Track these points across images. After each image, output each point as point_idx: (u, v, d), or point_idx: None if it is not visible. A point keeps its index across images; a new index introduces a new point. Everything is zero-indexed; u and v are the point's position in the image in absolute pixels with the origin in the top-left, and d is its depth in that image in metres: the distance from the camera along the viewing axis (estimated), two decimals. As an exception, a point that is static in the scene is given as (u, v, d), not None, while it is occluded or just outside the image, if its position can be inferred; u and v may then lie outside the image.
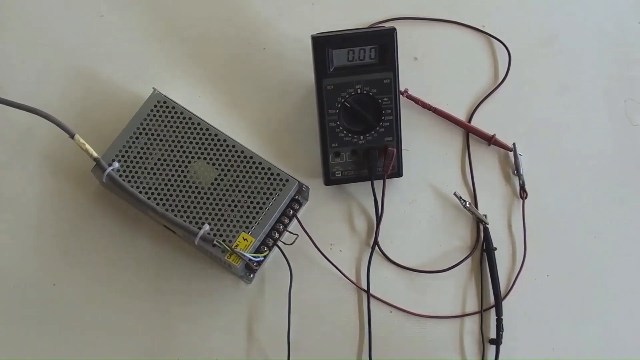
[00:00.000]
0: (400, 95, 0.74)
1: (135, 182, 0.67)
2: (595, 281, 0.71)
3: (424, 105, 0.75)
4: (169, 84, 0.73)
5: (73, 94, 0.74)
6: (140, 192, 0.66)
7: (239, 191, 0.67)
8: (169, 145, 0.68)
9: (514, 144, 0.75)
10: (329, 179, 0.72)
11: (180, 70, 0.76)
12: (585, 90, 0.78)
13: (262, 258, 0.67)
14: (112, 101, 0.74)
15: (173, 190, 0.67)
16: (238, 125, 0.74)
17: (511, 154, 0.75)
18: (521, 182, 0.73)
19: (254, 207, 0.66)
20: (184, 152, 0.68)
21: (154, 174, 0.67)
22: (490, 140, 0.75)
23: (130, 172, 0.67)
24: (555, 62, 0.79)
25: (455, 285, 0.71)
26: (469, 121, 0.76)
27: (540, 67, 0.79)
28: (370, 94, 0.70)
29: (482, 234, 0.72)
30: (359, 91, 0.70)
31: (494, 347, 0.69)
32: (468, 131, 0.76)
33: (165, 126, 0.69)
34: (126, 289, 0.69)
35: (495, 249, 0.71)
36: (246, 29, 0.78)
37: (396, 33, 0.69)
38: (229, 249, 0.64)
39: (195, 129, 0.69)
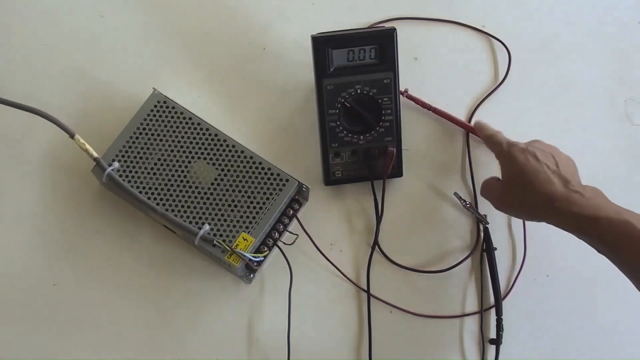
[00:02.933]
0: (401, 95, 0.74)
1: (135, 182, 0.67)
2: (595, 281, 0.71)
3: (424, 105, 0.75)
4: (169, 84, 0.73)
5: (73, 94, 0.74)
6: (140, 192, 0.66)
7: (239, 191, 0.67)
8: (169, 145, 0.68)
9: (514, 144, 0.75)
10: (329, 179, 0.72)
11: (180, 70, 0.76)
12: (585, 90, 0.78)
13: (262, 258, 0.67)
14: (112, 101, 0.74)
15: (173, 190, 0.67)
16: (238, 125, 0.74)
17: (511, 154, 0.75)
18: (521, 182, 0.73)
19: (254, 207, 0.66)
20: (184, 152, 0.68)
21: (154, 174, 0.67)
22: (490, 140, 0.75)
23: (130, 172, 0.67)
24: (555, 62, 0.79)
25: (455, 285, 0.71)
26: (469, 121, 0.76)
27: (540, 67, 0.79)
28: (370, 94, 0.70)
29: (482, 234, 0.72)
30: (359, 91, 0.70)
31: (494, 347, 0.69)
32: (468, 131, 0.76)
33: (165, 126, 0.69)
34: (126, 289, 0.69)
35: (495, 249, 0.71)
36: (246, 29, 0.78)
37: (396, 33, 0.69)
38: (229, 249, 0.64)
39: (195, 129, 0.69)
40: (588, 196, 0.60)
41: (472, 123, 0.74)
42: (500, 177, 0.68)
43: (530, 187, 0.62)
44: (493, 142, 0.68)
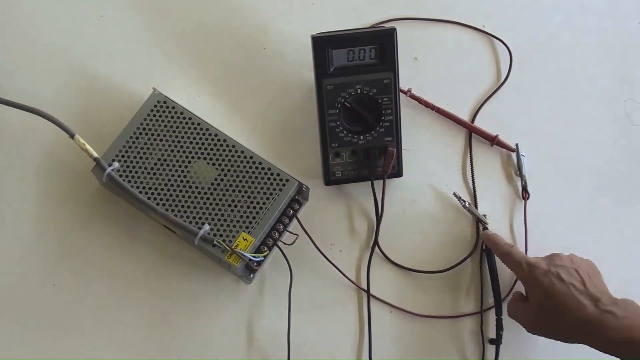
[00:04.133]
0: (404, 95, 0.74)
1: (135, 182, 0.67)
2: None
3: (428, 105, 0.75)
4: (169, 84, 0.73)
5: (73, 94, 0.74)
6: (140, 192, 0.66)
7: (239, 191, 0.67)
8: (169, 145, 0.68)
9: (516, 145, 0.74)
10: (329, 179, 0.72)
11: (180, 70, 0.76)
12: (586, 90, 0.78)
13: (262, 258, 0.67)
14: (112, 101, 0.74)
15: (173, 190, 0.67)
16: (238, 125, 0.74)
17: (514, 154, 0.75)
18: (523, 183, 0.73)
19: (254, 207, 0.66)
20: (184, 152, 0.68)
21: (154, 174, 0.67)
22: (492, 140, 0.75)
23: (130, 172, 0.67)
24: (556, 62, 0.79)
25: (455, 285, 0.71)
26: (472, 121, 0.76)
27: (541, 67, 0.79)
28: (370, 94, 0.70)
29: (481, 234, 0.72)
30: (359, 91, 0.70)
31: (494, 347, 0.69)
32: (471, 131, 0.76)
33: (165, 126, 0.69)
34: (126, 289, 0.69)
35: (496, 249, 0.71)
36: (246, 29, 0.78)
37: (396, 33, 0.69)
38: (229, 249, 0.64)
39: (195, 129, 0.69)
40: (621, 315, 0.58)
41: (481, 233, 0.72)
42: (522, 291, 0.67)
43: (561, 314, 0.61)
44: (511, 262, 0.66)
